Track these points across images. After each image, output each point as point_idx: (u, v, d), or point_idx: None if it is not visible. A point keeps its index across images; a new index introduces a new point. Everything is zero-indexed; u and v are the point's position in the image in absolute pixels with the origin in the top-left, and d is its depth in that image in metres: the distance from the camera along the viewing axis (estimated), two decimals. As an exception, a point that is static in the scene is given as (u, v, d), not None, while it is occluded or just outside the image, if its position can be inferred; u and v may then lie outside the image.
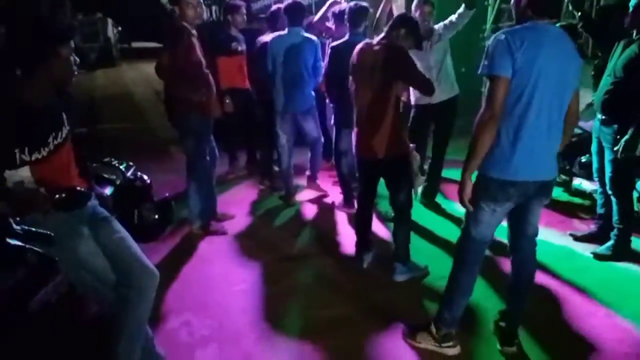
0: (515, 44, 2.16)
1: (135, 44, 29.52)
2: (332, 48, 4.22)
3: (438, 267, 3.43)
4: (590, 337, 2.80)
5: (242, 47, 5.31)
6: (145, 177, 3.21)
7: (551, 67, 2.20)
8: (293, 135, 4.82)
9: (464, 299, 2.63)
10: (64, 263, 2.17)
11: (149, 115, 10.16)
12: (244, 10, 5.34)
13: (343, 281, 3.48)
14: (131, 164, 3.27)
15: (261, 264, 3.71)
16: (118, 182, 3.00)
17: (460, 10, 4.12)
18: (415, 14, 4.19)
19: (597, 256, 3.66)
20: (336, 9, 4.64)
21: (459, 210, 4.31)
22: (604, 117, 3.50)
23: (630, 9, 3.33)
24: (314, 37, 4.60)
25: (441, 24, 4.26)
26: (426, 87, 3.20)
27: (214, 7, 7.77)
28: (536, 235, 2.60)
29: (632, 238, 3.67)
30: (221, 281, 3.49)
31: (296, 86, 4.59)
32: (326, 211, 4.74)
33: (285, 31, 4.59)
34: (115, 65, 21.66)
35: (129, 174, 3.13)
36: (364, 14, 3.99)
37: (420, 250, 3.71)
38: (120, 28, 25.89)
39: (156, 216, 3.03)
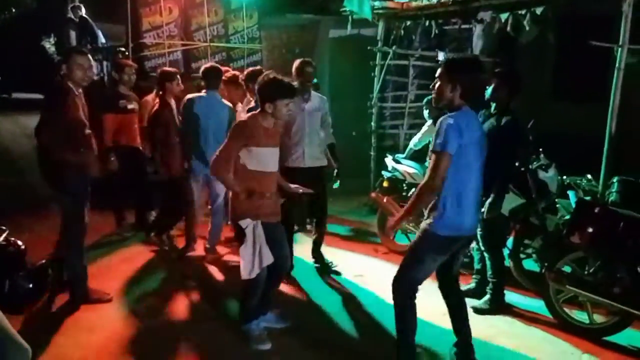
0: (462, 125, 2.70)
1: (16, 95, 27.52)
2: None
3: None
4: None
5: (131, 105, 5.25)
6: (19, 242, 2.95)
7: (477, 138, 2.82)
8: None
9: (413, 329, 2.98)
10: None
11: (28, 171, 9.40)
12: (133, 70, 5.32)
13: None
14: (3, 227, 3.00)
15: (149, 330, 3.53)
16: (-14, 248, 2.73)
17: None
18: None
19: (476, 310, 3.92)
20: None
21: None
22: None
23: (492, 85, 3.83)
24: (228, 102, 4.74)
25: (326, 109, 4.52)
26: None
27: (105, 63, 7.59)
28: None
29: (505, 291, 4.01)
30: (102, 352, 3.25)
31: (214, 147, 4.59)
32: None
33: (204, 93, 4.68)
34: (-8, 117, 19.96)
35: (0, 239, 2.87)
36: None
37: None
38: (-1, 76, 24.15)
39: (30, 285, 2.78)
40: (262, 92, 3.21)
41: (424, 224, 2.92)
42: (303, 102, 4.32)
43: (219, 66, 4.89)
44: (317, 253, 4.74)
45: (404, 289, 2.94)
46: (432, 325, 3.63)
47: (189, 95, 4.76)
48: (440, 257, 2.92)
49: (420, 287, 2.97)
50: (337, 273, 4.64)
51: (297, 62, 4.39)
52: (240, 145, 3.18)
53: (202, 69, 4.79)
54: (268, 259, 3.21)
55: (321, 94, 4.67)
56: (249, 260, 3.18)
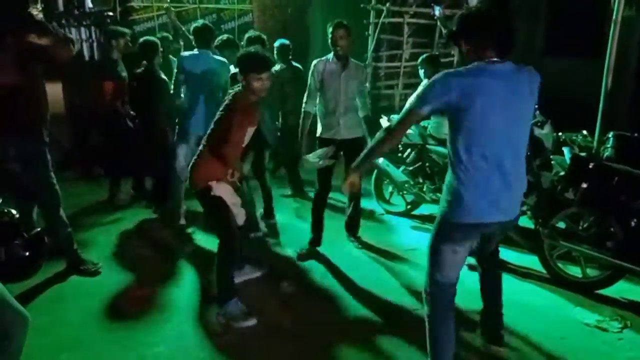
0: (463, 82, 2.28)
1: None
2: None
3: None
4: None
5: (124, 72, 5.22)
6: (13, 211, 2.95)
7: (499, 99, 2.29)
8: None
9: (447, 353, 2.49)
10: None
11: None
12: (128, 38, 5.30)
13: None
14: (-4, 197, 3.00)
15: (148, 297, 3.58)
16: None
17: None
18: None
19: (470, 266, 3.96)
20: None
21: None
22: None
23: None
24: (224, 59, 4.60)
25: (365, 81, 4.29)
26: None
27: (93, 29, 7.43)
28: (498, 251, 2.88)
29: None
30: (94, 317, 3.31)
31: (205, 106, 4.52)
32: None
33: (196, 51, 4.56)
34: None
35: (-7, 208, 2.87)
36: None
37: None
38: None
39: (27, 253, 2.80)
40: (238, 66, 3.20)
41: (440, 209, 2.46)
42: (340, 68, 4.07)
43: (209, 24, 4.76)
44: (353, 229, 4.57)
45: (435, 294, 2.48)
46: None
47: (181, 53, 4.70)
48: (461, 248, 2.41)
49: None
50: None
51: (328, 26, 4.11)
52: (246, 130, 3.19)
53: (192, 27, 4.68)
54: (242, 211, 3.37)
55: (355, 60, 4.23)
56: (238, 206, 3.31)
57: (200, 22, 4.80)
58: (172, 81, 4.74)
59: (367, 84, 7.09)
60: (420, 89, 2.29)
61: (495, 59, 2.27)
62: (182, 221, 4.85)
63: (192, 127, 4.55)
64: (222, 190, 3.20)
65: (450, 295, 2.50)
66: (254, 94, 3.17)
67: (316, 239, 4.30)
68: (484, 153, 2.25)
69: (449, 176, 2.39)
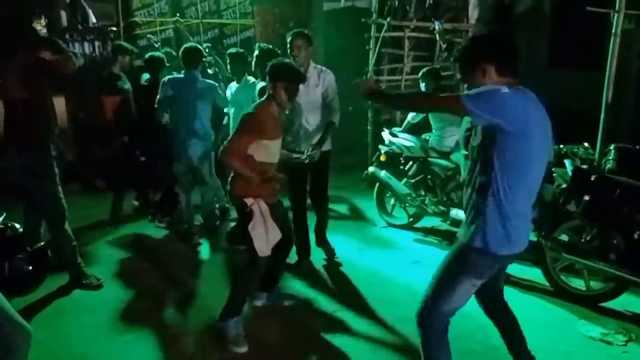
0: (520, 102, 2.14)
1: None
2: None
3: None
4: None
5: (127, 85, 5.28)
6: (17, 225, 2.97)
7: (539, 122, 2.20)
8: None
9: None
10: None
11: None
12: (133, 55, 5.39)
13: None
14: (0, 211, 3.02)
15: (149, 311, 3.57)
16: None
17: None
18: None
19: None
20: None
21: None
22: (467, 152, 3.87)
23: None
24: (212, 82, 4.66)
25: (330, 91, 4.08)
26: None
27: (97, 43, 7.51)
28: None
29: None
30: (96, 332, 3.30)
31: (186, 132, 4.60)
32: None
33: (182, 74, 4.60)
34: None
35: (-3, 222, 2.88)
36: None
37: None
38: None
39: (30, 267, 2.81)
40: (270, 73, 3.14)
41: (461, 236, 2.29)
42: None
43: (197, 45, 4.80)
44: (320, 240, 4.50)
45: (435, 322, 2.32)
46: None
47: (167, 77, 4.72)
48: (480, 281, 2.28)
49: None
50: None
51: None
52: (251, 140, 3.07)
53: (181, 49, 4.66)
54: (276, 234, 3.17)
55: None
56: (262, 238, 3.10)
57: (190, 43, 4.82)
58: (157, 101, 4.70)
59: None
60: (480, 89, 2.12)
61: (512, 81, 2.17)
62: (196, 239, 4.84)
63: (181, 148, 4.61)
64: (256, 210, 3.10)
65: (446, 323, 2.36)
66: (279, 105, 3.14)
67: (303, 252, 4.27)
68: (526, 181, 2.17)
69: (477, 200, 2.21)
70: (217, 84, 4.72)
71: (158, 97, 4.66)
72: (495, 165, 2.13)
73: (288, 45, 4.03)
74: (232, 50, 4.86)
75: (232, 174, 3.22)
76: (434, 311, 2.31)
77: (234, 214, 5.15)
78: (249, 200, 3.11)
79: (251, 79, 4.63)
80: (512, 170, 2.12)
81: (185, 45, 4.69)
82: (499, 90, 2.07)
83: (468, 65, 2.24)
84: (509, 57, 2.21)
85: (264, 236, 3.10)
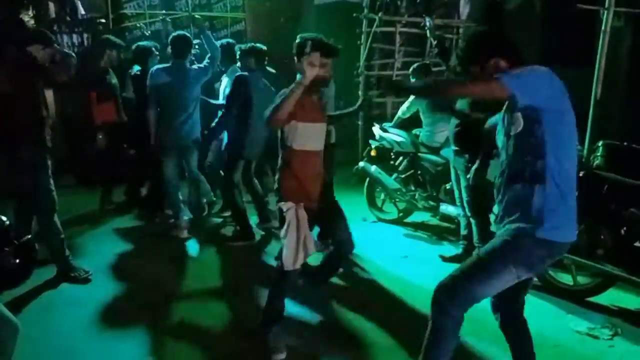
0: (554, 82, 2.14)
1: None
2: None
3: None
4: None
5: (114, 79, 5.25)
6: (4, 217, 2.93)
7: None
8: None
9: None
10: None
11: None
12: (121, 50, 5.36)
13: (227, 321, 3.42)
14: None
15: (136, 306, 3.55)
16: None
17: None
18: None
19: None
20: None
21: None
22: (456, 148, 3.89)
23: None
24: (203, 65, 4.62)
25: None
26: None
27: (85, 36, 7.42)
28: None
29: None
30: (84, 326, 3.28)
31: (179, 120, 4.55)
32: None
33: (170, 64, 4.57)
34: None
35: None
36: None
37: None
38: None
39: (17, 260, 2.76)
40: (296, 47, 2.87)
41: (515, 224, 2.14)
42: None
43: (187, 34, 4.75)
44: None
45: (456, 305, 2.16)
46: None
47: (156, 66, 4.68)
48: (526, 274, 2.16)
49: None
50: None
51: None
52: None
53: (170, 37, 4.65)
54: (309, 248, 2.84)
55: None
56: (294, 248, 2.78)
57: (178, 32, 4.79)
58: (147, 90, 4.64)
59: (360, 92, 7.14)
60: (517, 71, 2.07)
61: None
62: (184, 234, 4.81)
63: (169, 140, 4.58)
64: (291, 217, 2.81)
65: (464, 312, 2.21)
66: (306, 79, 2.64)
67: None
68: (573, 156, 2.16)
69: (530, 189, 2.11)
70: (207, 66, 4.66)
71: (148, 86, 4.60)
72: (547, 147, 2.07)
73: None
74: (222, 41, 4.85)
75: (277, 174, 2.93)
76: (463, 292, 2.15)
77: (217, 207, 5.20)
78: (286, 205, 2.84)
79: (238, 69, 4.64)
80: (562, 148, 2.10)
81: (174, 34, 4.65)
82: (537, 69, 2.06)
83: (477, 63, 2.23)
84: (515, 47, 2.24)
85: (294, 248, 2.79)
